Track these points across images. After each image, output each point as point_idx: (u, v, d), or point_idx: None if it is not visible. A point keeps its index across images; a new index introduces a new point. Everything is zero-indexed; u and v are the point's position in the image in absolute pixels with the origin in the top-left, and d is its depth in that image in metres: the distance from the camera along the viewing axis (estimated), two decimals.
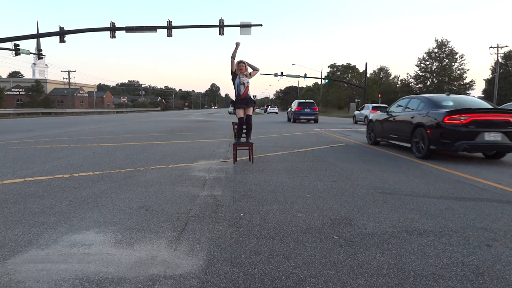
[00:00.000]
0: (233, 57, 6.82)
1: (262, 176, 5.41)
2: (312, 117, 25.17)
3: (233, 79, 6.81)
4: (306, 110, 25.12)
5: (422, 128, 7.58)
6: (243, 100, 6.76)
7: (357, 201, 4.07)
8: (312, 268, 2.37)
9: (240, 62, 6.77)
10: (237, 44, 6.91)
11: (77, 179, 5.01)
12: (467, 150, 7.00)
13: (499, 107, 9.92)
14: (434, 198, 4.25)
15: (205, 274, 2.27)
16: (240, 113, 6.81)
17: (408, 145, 8.26)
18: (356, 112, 26.37)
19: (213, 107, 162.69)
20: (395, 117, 9.07)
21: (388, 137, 9.44)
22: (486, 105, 8.02)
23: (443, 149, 7.24)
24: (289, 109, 29.10)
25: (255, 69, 6.97)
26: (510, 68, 48.52)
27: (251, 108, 6.94)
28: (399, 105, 9.40)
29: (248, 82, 6.77)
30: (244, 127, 6.94)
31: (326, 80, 57.70)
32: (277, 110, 59.65)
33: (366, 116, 22.76)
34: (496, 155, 7.84)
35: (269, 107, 62.56)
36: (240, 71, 6.73)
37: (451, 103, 7.82)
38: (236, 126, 6.96)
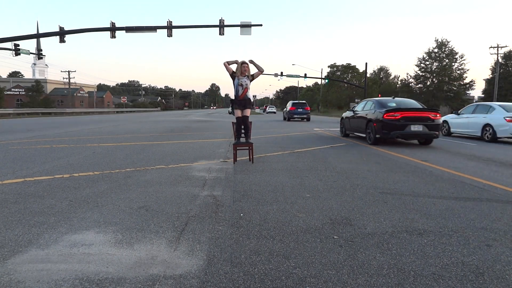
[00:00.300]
0: (228, 62, 6.83)
1: (262, 176, 5.41)
2: (304, 115, 27.74)
3: (233, 81, 6.83)
4: (299, 109, 27.74)
5: (371, 122, 10.27)
6: (241, 101, 6.77)
7: (357, 201, 4.07)
8: (312, 268, 2.37)
9: (243, 63, 6.74)
10: (236, 61, 6.87)
11: (77, 179, 5.01)
12: (399, 137, 9.94)
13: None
14: (434, 198, 4.25)
15: (205, 274, 2.27)
16: (238, 113, 6.84)
17: (364, 135, 10.91)
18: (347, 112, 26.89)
19: (211, 107, 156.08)
20: (357, 115, 11.80)
21: (354, 130, 12.20)
22: (417, 105, 10.84)
23: (384, 137, 9.92)
24: (285, 109, 31.50)
25: (259, 69, 6.91)
26: (510, 68, 48.50)
27: (249, 110, 6.91)
28: (360, 106, 12.19)
29: (247, 84, 6.74)
30: (242, 127, 6.95)
31: (326, 80, 57.75)
32: (275, 110, 63.17)
33: None
34: (425, 142, 10.52)
35: (267, 107, 66.32)
36: (242, 72, 6.71)
37: (393, 104, 10.50)
38: (235, 126, 6.97)
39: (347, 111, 13.59)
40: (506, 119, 11.57)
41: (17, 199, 3.93)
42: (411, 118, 9.63)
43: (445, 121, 14.61)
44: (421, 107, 10.64)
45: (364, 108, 11.56)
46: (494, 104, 12.77)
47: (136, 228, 3.08)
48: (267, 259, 2.51)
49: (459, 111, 14.60)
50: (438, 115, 9.91)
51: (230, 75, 6.84)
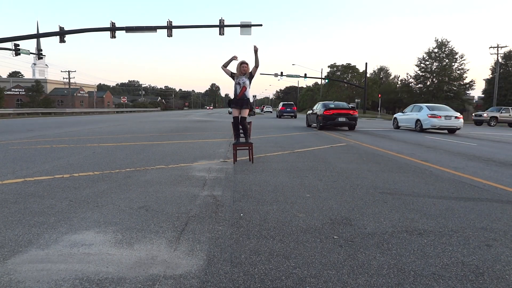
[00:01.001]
0: (224, 65, 6.75)
1: (262, 176, 5.41)
2: (292, 113, 35.15)
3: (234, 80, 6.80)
4: (287, 109, 35.38)
5: (318, 116, 17.05)
6: (239, 100, 6.71)
7: (357, 201, 4.07)
8: (312, 268, 2.37)
9: (242, 63, 6.68)
10: (233, 58, 6.75)
11: (77, 179, 5.01)
12: (332, 125, 16.61)
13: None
14: (434, 198, 4.25)
15: (205, 274, 2.27)
16: (235, 112, 6.80)
17: (315, 125, 17.90)
18: None
19: (207, 108, 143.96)
20: (313, 112, 18.71)
21: (312, 122, 18.93)
22: (346, 106, 18.21)
23: (324, 125, 16.58)
24: (277, 108, 39.55)
25: (256, 64, 6.71)
26: (510, 68, 48.46)
27: (246, 110, 6.78)
28: (315, 106, 19.11)
29: (244, 83, 6.64)
30: (240, 127, 6.92)
31: (326, 80, 57.88)
32: (271, 110, 73.51)
33: None
34: (350, 128, 17.16)
35: (265, 107, 78.49)
36: (241, 72, 6.66)
37: (332, 106, 17.50)
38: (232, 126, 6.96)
39: (309, 110, 20.14)
40: (428, 116, 16.66)
41: (17, 199, 3.93)
42: (339, 114, 16.57)
43: (395, 118, 20.19)
44: (347, 107, 18.06)
45: (316, 108, 18.51)
46: (423, 105, 18.10)
47: (136, 228, 3.08)
48: (267, 259, 2.51)
49: (403, 110, 20.02)
50: (355, 112, 17.14)
51: (231, 77, 6.78)
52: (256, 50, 6.68)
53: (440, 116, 16.47)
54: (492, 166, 6.73)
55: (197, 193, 4.35)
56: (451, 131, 17.07)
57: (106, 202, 3.86)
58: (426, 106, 17.66)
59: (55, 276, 2.21)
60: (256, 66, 6.73)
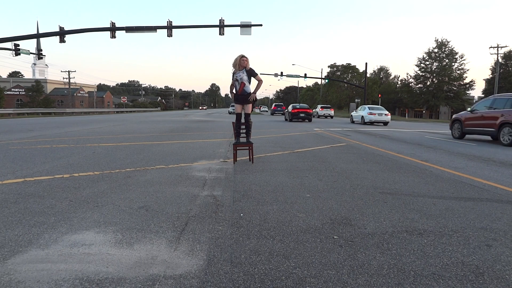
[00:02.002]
0: (231, 91, 6.86)
1: (262, 176, 5.41)
2: (281, 112, 45.26)
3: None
4: (278, 109, 46.67)
5: (290, 113, 27.09)
6: (240, 96, 6.65)
7: (357, 201, 4.07)
8: (312, 268, 2.37)
9: (242, 56, 6.60)
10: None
11: (77, 179, 5.01)
12: (296, 119, 26.81)
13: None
14: (434, 198, 4.25)
15: (205, 274, 2.27)
16: (238, 108, 6.74)
17: (288, 118, 27.69)
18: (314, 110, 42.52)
19: (200, 108, 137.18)
20: (288, 110, 27.85)
21: (287, 117, 27.86)
22: (306, 106, 28.17)
23: (291, 118, 26.68)
24: (271, 108, 54.40)
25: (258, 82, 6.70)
26: (510, 68, 48.51)
27: (250, 106, 6.71)
28: (289, 107, 28.59)
29: (241, 78, 6.54)
30: (243, 126, 6.88)
31: (326, 80, 57.93)
32: (267, 109, 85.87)
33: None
34: (309, 120, 26.84)
35: (261, 107, 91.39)
36: (241, 65, 6.56)
37: (298, 106, 27.69)
38: (234, 124, 6.92)
39: (286, 109, 30.40)
40: (368, 113, 24.13)
41: (17, 199, 3.93)
42: (301, 111, 26.05)
43: (351, 115, 27.66)
44: (306, 107, 27.29)
45: (289, 107, 27.65)
46: (366, 106, 25.54)
47: (136, 228, 3.08)
48: (267, 259, 2.51)
49: (356, 109, 27.81)
50: (310, 110, 26.77)
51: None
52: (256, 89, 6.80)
53: (375, 113, 24.06)
54: (492, 166, 6.73)
55: (197, 193, 4.35)
56: (385, 124, 24.15)
57: (106, 202, 3.86)
58: (367, 107, 25.27)
59: (55, 276, 2.21)
60: (259, 81, 6.69)
